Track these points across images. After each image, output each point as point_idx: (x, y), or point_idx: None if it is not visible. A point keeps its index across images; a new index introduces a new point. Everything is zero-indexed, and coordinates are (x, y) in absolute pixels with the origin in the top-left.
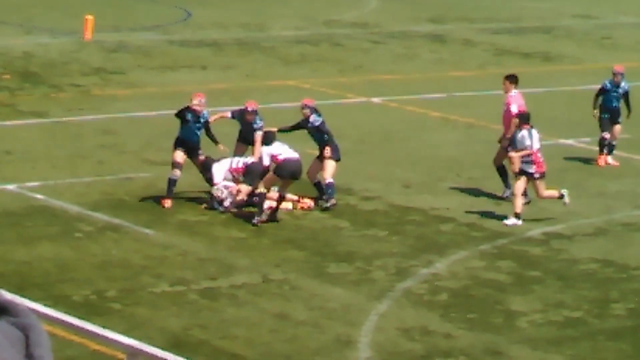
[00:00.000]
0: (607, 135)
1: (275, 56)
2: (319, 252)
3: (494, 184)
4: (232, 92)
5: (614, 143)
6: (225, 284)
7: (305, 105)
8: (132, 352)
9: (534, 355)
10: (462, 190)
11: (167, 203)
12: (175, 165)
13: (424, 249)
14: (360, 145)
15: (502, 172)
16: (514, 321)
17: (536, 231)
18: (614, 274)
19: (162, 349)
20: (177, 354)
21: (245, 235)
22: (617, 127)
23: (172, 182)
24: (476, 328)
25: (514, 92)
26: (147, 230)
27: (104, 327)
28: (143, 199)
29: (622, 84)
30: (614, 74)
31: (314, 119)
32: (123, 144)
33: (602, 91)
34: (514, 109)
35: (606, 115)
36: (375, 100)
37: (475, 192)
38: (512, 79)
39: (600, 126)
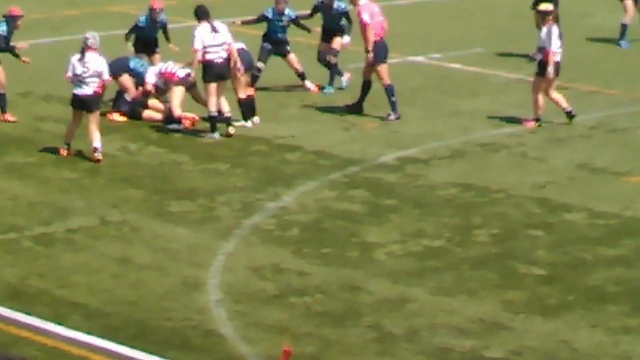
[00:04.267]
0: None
1: None
2: (158, 189)
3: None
4: (51, 21)
5: (300, 71)
6: (61, 229)
7: None
8: None
9: (394, 289)
10: (308, 116)
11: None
12: None
13: (270, 182)
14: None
15: (365, 87)
16: (371, 254)
17: (389, 156)
18: (474, 198)
19: None
20: (15, 307)
21: (77, 175)
22: (291, 57)
23: None
24: (331, 263)
25: (364, 1)
26: None
27: None
28: None
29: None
30: None
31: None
32: None
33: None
34: (366, 18)
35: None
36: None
37: (322, 118)
38: None
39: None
